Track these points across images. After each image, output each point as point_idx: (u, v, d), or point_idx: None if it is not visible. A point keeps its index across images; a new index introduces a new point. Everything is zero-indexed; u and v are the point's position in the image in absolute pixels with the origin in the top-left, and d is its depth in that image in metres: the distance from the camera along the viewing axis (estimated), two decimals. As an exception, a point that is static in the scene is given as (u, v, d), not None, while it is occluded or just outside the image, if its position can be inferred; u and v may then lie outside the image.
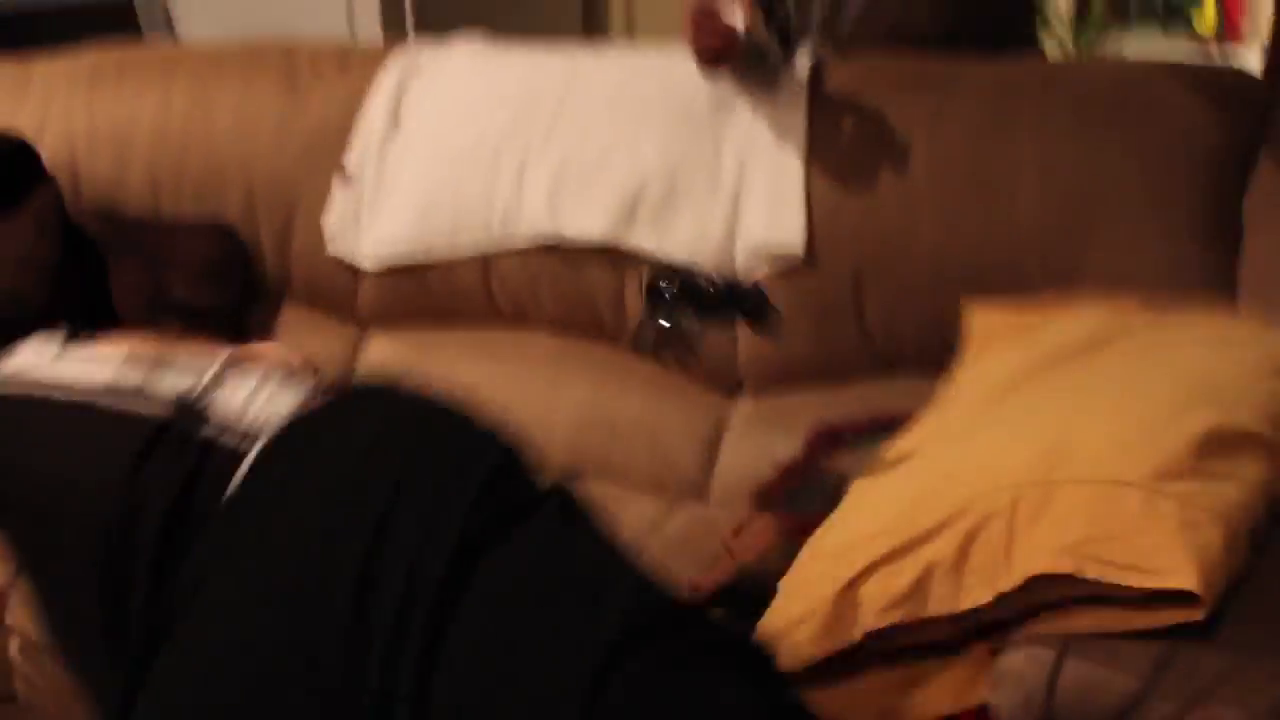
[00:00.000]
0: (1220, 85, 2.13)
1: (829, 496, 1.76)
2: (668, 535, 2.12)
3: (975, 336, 2.00)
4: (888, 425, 1.88)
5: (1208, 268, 2.02)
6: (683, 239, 2.27)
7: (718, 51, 2.18)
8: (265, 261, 2.59)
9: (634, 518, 2.19)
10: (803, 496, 1.89)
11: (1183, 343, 1.72)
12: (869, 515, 1.60)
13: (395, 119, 2.50)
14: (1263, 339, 1.72)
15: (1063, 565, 1.35)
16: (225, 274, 2.54)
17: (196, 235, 2.55)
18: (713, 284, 2.08)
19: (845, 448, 1.97)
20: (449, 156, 2.44)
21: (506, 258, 2.41)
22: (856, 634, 1.52)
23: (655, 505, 2.23)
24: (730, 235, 2.25)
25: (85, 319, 2.45)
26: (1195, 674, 1.33)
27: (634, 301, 2.35)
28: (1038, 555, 1.37)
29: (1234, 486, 1.40)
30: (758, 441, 2.24)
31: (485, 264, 2.43)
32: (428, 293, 2.49)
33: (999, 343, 1.93)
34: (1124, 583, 1.32)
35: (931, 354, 2.09)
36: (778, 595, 1.61)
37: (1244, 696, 1.31)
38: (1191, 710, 1.33)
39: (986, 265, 2.11)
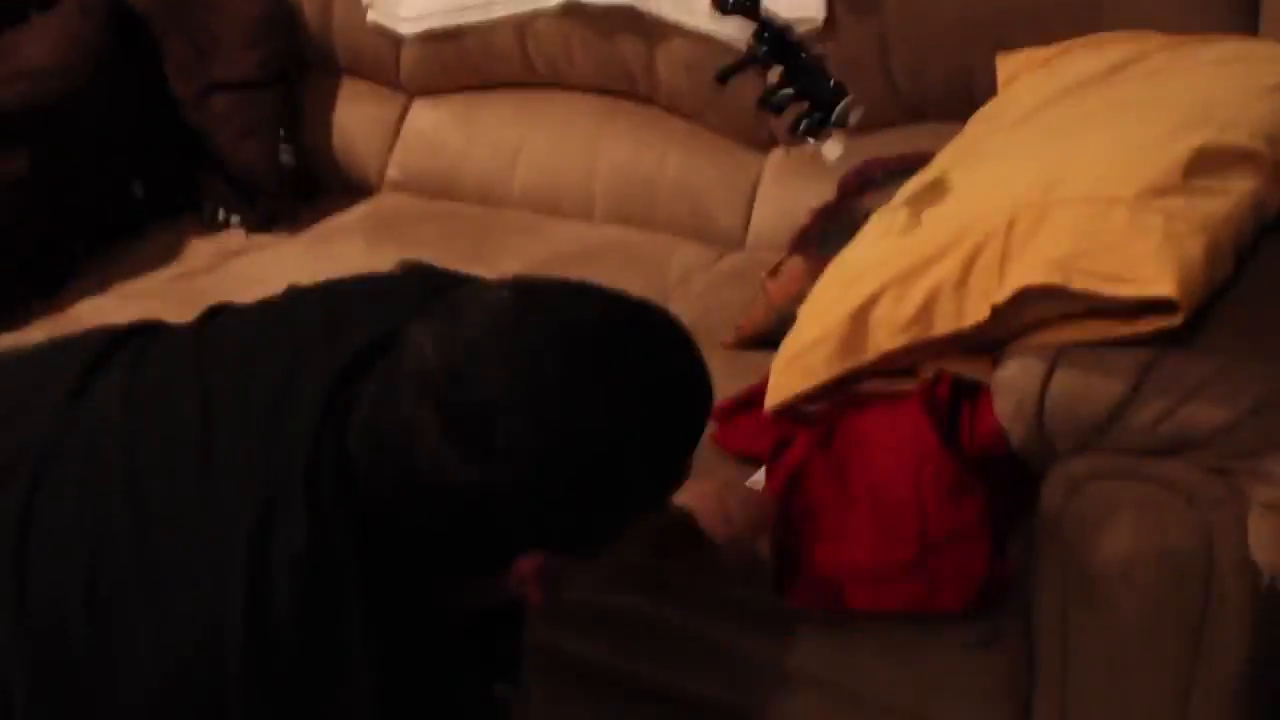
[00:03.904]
0: None
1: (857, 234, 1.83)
2: (714, 276, 2.25)
3: (1002, 78, 2.04)
4: (915, 164, 1.93)
5: (1226, 10, 2.03)
6: (703, 5, 2.29)
7: None
8: (309, 32, 2.66)
9: (681, 262, 2.30)
10: (834, 236, 1.95)
11: (1195, 65, 1.76)
12: (882, 242, 1.67)
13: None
14: (1274, 56, 1.76)
15: (1052, 277, 1.42)
16: (271, 34, 2.60)
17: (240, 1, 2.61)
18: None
19: (875, 188, 2.03)
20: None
21: (539, 21, 2.46)
22: (870, 355, 1.60)
23: (700, 252, 2.35)
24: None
25: (138, 102, 2.56)
26: (1179, 377, 1.41)
27: (665, 68, 2.40)
28: (1029, 268, 1.44)
29: (1221, 201, 1.45)
30: (791, 191, 2.32)
31: (520, 28, 2.48)
32: (466, 57, 2.56)
33: (1022, 79, 1.98)
34: (1109, 293, 1.39)
35: (958, 103, 2.13)
36: (797, 319, 1.70)
37: (1227, 395, 1.40)
38: (1176, 411, 1.41)
39: (1008, 17, 2.14)
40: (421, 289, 1.34)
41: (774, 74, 1.89)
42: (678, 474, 1.26)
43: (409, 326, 1.20)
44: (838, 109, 1.78)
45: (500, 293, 1.22)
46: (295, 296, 1.40)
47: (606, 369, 1.16)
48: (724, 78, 1.93)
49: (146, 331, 1.42)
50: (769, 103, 1.86)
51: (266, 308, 1.39)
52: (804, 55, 1.92)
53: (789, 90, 1.87)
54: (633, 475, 1.19)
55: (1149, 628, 1.47)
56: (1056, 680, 1.54)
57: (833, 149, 1.67)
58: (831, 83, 1.82)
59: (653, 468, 1.22)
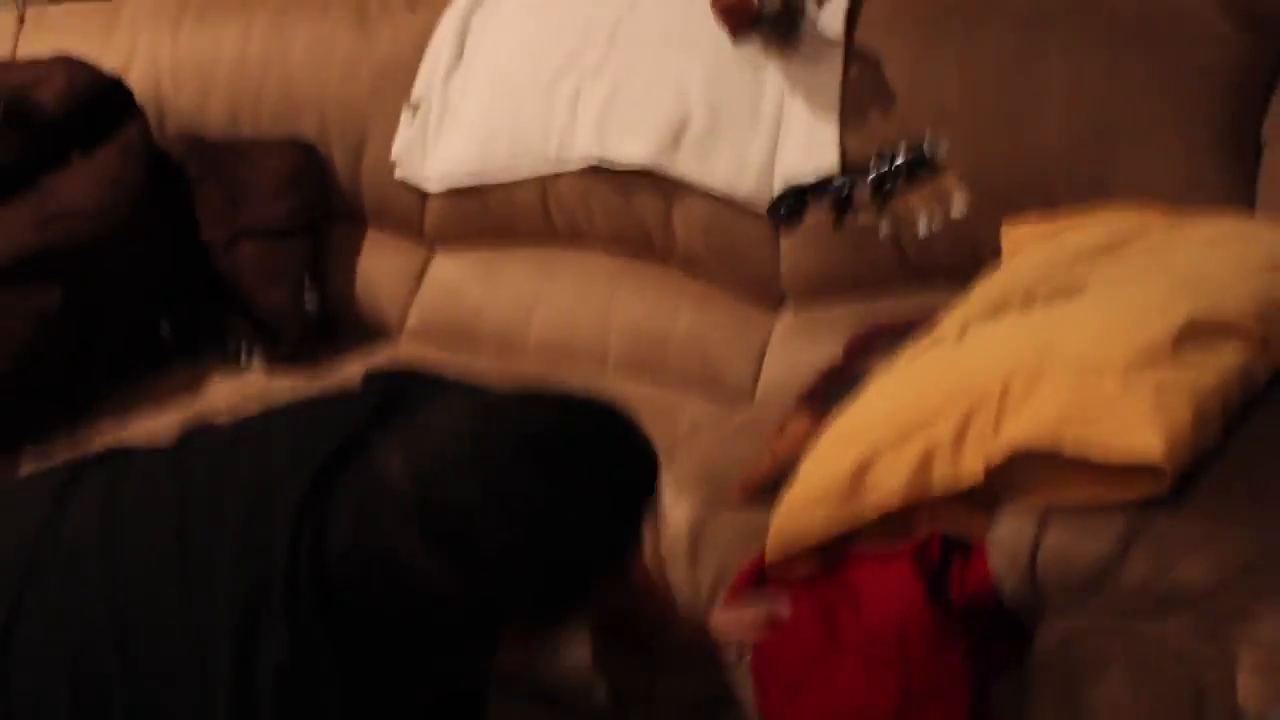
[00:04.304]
0: (1244, 9, 2.20)
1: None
2: (721, 431, 2.28)
3: (1007, 247, 2.11)
4: (918, 326, 1.98)
5: (1227, 185, 2.11)
6: (723, 168, 2.40)
7: (736, 19, 2.33)
8: (338, 186, 2.75)
9: (690, 417, 2.34)
10: (837, 395, 2.00)
11: (1190, 241, 1.83)
12: (881, 401, 1.72)
13: (459, 50, 2.64)
14: (1266, 236, 1.82)
15: (1045, 440, 1.47)
16: (301, 186, 2.69)
17: (274, 151, 2.71)
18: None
19: (879, 349, 2.08)
20: (509, 85, 2.58)
21: (561, 180, 2.55)
22: (869, 513, 1.64)
23: (708, 407, 2.38)
24: (768, 166, 2.38)
25: (170, 245, 2.65)
26: (1168, 537, 1.45)
27: (681, 228, 2.48)
28: (1023, 432, 1.49)
29: (1210, 372, 1.51)
30: (799, 351, 2.38)
31: (542, 186, 2.57)
32: (489, 213, 2.64)
33: (1025, 249, 2.04)
34: (1099, 457, 1.44)
35: (964, 268, 2.18)
36: (797, 477, 1.74)
37: (1215, 555, 1.44)
38: (1165, 570, 1.45)
39: (1015, 186, 2.22)
40: (380, 397, 1.43)
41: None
42: (638, 537, 1.39)
43: (373, 445, 1.29)
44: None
45: (457, 412, 1.31)
46: (267, 414, 1.48)
47: (569, 468, 1.27)
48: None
49: (119, 455, 1.50)
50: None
51: (239, 427, 1.47)
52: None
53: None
54: (602, 550, 1.32)
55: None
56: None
57: (959, 205, 1.74)
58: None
59: (617, 539, 1.35)
